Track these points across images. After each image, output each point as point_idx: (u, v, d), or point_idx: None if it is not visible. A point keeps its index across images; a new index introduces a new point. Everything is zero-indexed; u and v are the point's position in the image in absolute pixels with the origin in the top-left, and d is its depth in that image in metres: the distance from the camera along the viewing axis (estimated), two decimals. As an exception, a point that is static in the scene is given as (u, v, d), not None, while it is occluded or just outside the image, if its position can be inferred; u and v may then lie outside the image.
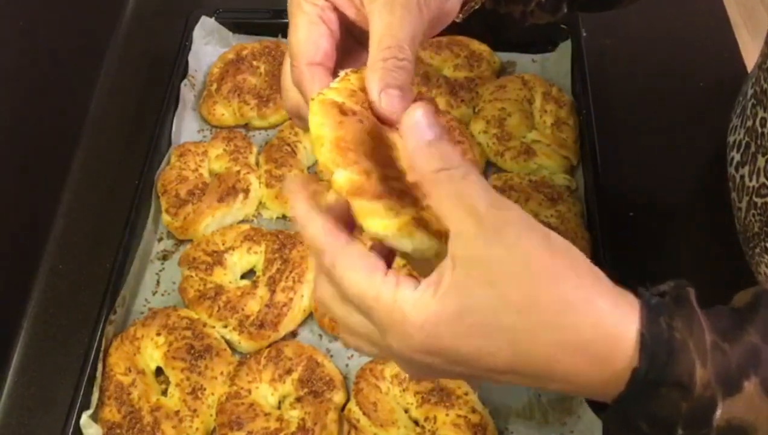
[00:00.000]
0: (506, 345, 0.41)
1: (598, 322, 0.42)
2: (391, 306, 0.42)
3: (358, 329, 0.45)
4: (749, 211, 0.74)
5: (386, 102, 0.48)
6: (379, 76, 0.48)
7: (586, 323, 0.41)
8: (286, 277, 0.77)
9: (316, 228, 0.44)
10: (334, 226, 0.44)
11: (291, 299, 0.76)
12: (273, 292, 0.76)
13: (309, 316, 0.78)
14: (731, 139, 0.81)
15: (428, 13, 0.51)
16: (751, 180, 0.74)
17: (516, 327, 0.41)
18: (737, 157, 0.78)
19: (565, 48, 0.95)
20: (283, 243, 0.80)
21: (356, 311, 0.44)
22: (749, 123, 0.75)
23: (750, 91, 0.77)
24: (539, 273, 0.41)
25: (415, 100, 0.50)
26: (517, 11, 0.67)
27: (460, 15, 0.62)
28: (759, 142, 0.72)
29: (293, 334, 0.78)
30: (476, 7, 0.62)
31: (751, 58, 0.89)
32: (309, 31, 0.52)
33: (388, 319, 0.42)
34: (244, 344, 0.75)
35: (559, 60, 0.95)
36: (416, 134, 0.43)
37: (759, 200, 0.72)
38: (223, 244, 0.80)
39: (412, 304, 0.41)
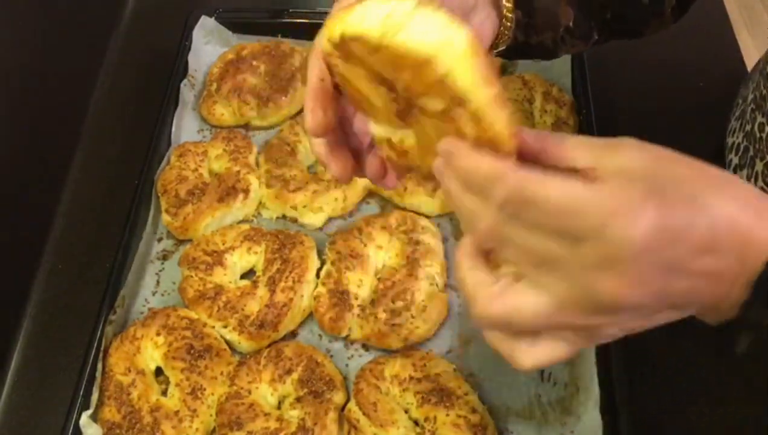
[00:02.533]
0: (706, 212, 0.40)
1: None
2: (600, 196, 0.39)
3: (555, 253, 0.40)
4: None
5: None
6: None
7: (746, 188, 0.43)
8: (286, 277, 0.77)
9: (487, 159, 0.42)
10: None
11: (291, 299, 0.76)
12: (273, 292, 0.76)
13: (309, 316, 0.78)
14: (729, 141, 0.81)
15: None
16: (749, 183, 0.74)
17: (704, 193, 0.41)
18: (735, 160, 0.78)
19: (565, 48, 0.95)
20: (283, 243, 0.79)
21: (551, 234, 0.40)
22: (748, 127, 0.75)
23: (750, 96, 0.77)
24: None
25: None
26: (548, 39, 0.66)
27: (492, 52, 0.64)
28: (757, 146, 0.72)
29: (293, 334, 0.78)
30: (503, 46, 0.64)
31: (751, 58, 0.89)
32: None
33: (605, 208, 0.38)
34: (244, 344, 0.75)
35: (560, 60, 0.95)
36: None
37: None
38: (223, 244, 0.80)
39: (619, 186, 0.39)
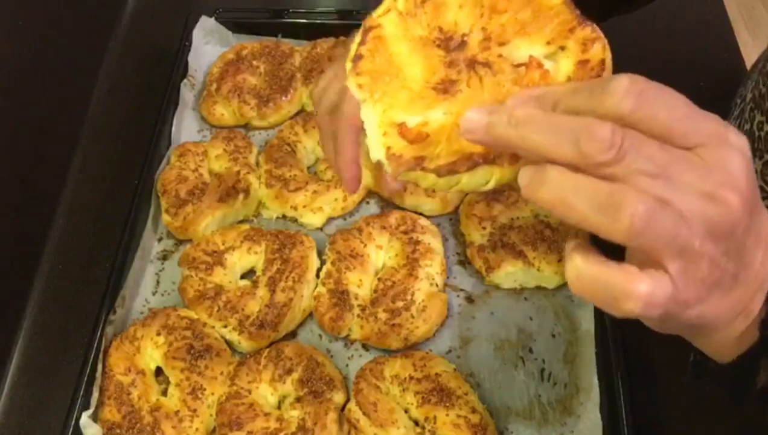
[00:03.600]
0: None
1: None
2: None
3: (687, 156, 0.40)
4: None
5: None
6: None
7: None
8: (286, 277, 0.77)
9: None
10: None
11: (291, 299, 0.76)
12: (273, 292, 0.76)
13: (309, 316, 0.78)
14: None
15: None
16: None
17: None
18: None
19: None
20: (283, 243, 0.79)
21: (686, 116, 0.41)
22: (747, 126, 0.75)
23: (749, 95, 0.77)
24: None
25: None
26: None
27: None
28: (756, 144, 0.72)
29: (293, 334, 0.78)
30: None
31: (751, 58, 0.89)
32: None
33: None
34: (244, 344, 0.75)
35: (559, 60, 0.95)
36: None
37: None
38: (223, 244, 0.80)
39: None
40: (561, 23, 0.46)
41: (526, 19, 0.47)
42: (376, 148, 0.47)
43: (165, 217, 0.84)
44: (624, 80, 0.40)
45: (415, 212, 0.84)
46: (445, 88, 0.47)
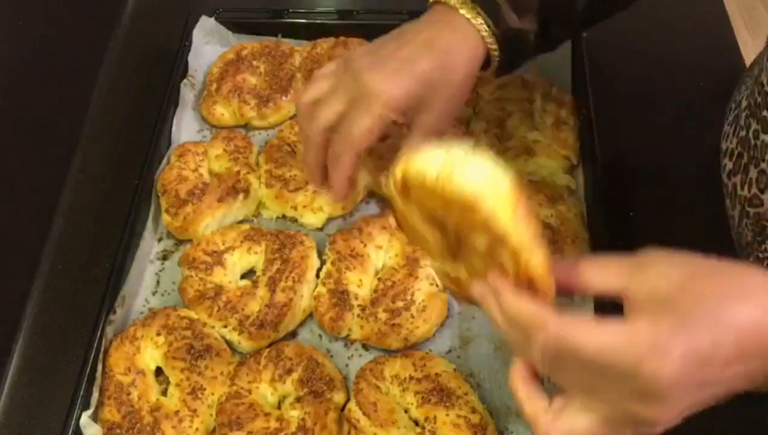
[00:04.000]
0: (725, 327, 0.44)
1: None
2: (631, 339, 0.44)
3: (597, 385, 0.46)
4: (742, 219, 0.74)
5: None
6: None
7: None
8: (286, 277, 0.77)
9: (527, 306, 0.49)
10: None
11: (291, 299, 0.76)
12: (273, 292, 0.76)
13: (309, 316, 0.78)
14: (723, 145, 0.81)
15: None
16: (743, 189, 0.73)
17: (730, 305, 0.44)
18: (729, 165, 0.78)
19: (565, 48, 0.95)
20: (283, 243, 0.79)
21: (591, 374, 0.46)
22: (742, 133, 0.75)
23: (744, 102, 0.77)
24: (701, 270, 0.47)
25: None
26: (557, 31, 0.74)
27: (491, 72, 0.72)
28: (752, 153, 0.72)
29: (293, 334, 0.78)
30: (496, 65, 0.70)
31: (751, 58, 0.89)
32: None
33: (637, 353, 0.43)
34: (244, 344, 0.75)
35: (559, 60, 0.95)
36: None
37: (751, 210, 0.71)
38: (223, 244, 0.80)
39: (649, 324, 0.44)
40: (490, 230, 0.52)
41: (469, 220, 0.51)
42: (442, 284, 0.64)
43: (165, 217, 0.84)
44: (541, 341, 0.48)
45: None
46: (454, 255, 0.56)
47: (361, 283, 0.77)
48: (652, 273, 0.47)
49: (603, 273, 0.50)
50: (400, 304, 0.75)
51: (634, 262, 0.48)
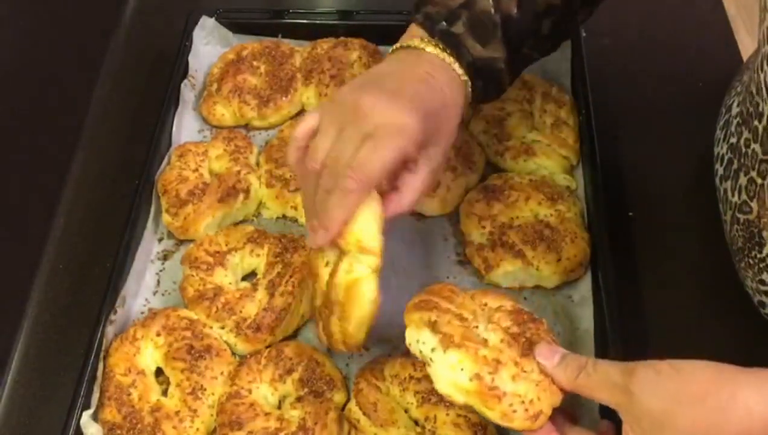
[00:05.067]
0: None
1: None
2: None
3: None
4: (733, 225, 0.74)
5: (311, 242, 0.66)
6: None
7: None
8: (286, 282, 0.77)
9: None
10: None
11: (289, 304, 0.76)
12: (272, 295, 0.76)
13: (308, 319, 0.78)
14: (716, 150, 0.81)
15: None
16: (733, 195, 0.73)
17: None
18: (720, 171, 0.78)
19: (565, 48, 0.95)
20: (285, 247, 0.79)
21: None
22: (733, 140, 0.75)
23: (736, 109, 0.76)
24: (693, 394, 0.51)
25: None
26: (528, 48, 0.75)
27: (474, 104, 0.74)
28: (742, 160, 0.71)
29: (293, 334, 0.78)
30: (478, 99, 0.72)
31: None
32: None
33: None
34: (240, 347, 0.75)
35: (559, 60, 0.95)
36: (548, 360, 0.60)
37: (741, 217, 0.71)
38: (226, 245, 0.80)
39: None
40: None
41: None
42: None
43: (165, 217, 0.84)
44: None
45: (418, 213, 0.84)
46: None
47: None
48: (641, 401, 0.52)
49: (599, 396, 0.56)
50: None
51: (623, 387, 0.53)
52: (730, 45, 1.01)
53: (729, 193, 0.74)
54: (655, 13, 1.00)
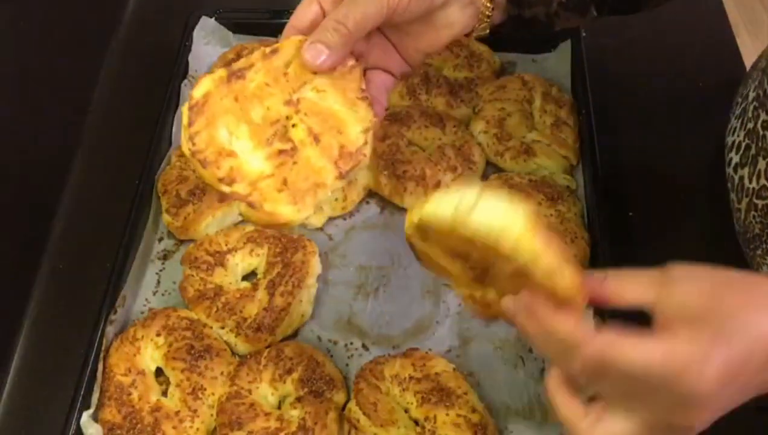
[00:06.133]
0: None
1: None
2: (670, 354, 0.46)
3: (637, 394, 0.49)
4: (749, 212, 0.74)
5: (309, 54, 0.58)
6: (314, 33, 0.58)
7: None
8: (286, 282, 0.77)
9: (564, 324, 0.50)
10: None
11: (289, 304, 0.76)
12: (272, 295, 0.76)
13: (309, 318, 0.78)
14: (729, 140, 0.81)
15: (388, 6, 0.58)
16: (751, 182, 0.74)
17: (758, 316, 0.47)
18: (736, 159, 0.78)
19: (565, 48, 0.95)
20: (285, 247, 0.79)
21: (631, 385, 0.48)
22: (750, 125, 0.75)
23: (752, 94, 0.77)
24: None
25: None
26: (541, 13, 0.70)
27: (474, 33, 0.67)
28: (760, 144, 0.72)
29: (293, 334, 0.78)
30: (488, 25, 0.67)
31: (750, 58, 0.89)
32: None
33: (676, 367, 0.46)
34: (240, 347, 0.75)
35: (559, 60, 0.95)
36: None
37: (759, 202, 0.72)
38: (226, 245, 0.80)
39: (687, 338, 0.46)
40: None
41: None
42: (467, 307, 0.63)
43: (165, 217, 0.84)
44: (580, 359, 0.49)
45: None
46: (481, 281, 0.59)
47: None
48: (681, 287, 0.49)
49: (633, 287, 0.52)
50: None
51: (662, 276, 0.50)
52: (731, 45, 1.01)
53: (746, 180, 0.75)
54: (655, 12, 1.00)
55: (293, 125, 0.60)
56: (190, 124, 0.59)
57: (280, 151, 0.59)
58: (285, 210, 0.58)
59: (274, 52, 0.61)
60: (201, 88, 0.59)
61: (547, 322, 0.51)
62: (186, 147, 0.58)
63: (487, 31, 0.67)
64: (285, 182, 0.58)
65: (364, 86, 0.62)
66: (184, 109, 0.59)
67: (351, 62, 0.62)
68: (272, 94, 0.60)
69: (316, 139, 0.60)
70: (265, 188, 0.58)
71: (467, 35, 0.67)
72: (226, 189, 0.57)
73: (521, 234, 0.50)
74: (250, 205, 0.57)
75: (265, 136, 0.59)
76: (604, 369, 0.48)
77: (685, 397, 0.46)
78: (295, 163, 0.59)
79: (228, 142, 0.59)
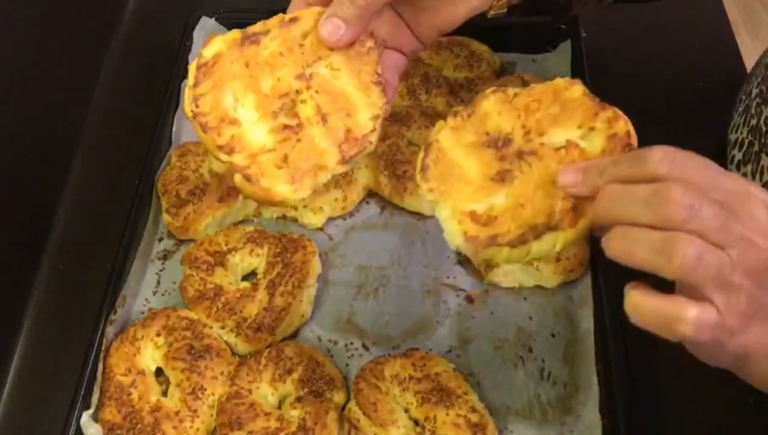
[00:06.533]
0: None
1: None
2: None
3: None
4: None
5: (326, 29, 0.57)
6: (330, 6, 0.57)
7: None
8: (286, 282, 0.77)
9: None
10: None
11: (289, 304, 0.76)
12: (272, 295, 0.76)
13: (309, 317, 0.79)
14: (732, 137, 0.81)
15: None
16: (754, 178, 0.74)
17: None
18: (739, 156, 0.78)
19: (565, 48, 0.95)
20: (285, 247, 0.79)
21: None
22: (753, 121, 0.75)
23: (755, 90, 0.77)
24: None
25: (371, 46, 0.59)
26: None
27: (492, 11, 0.66)
28: (763, 141, 0.72)
29: (293, 334, 0.78)
30: (506, 3, 0.66)
31: (751, 58, 0.89)
32: None
33: None
34: (241, 347, 0.75)
35: (559, 60, 0.95)
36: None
37: None
38: (226, 245, 0.80)
39: None
40: (586, 110, 0.58)
41: (557, 112, 0.58)
42: (455, 235, 0.56)
43: (165, 217, 0.84)
44: (657, 151, 0.49)
45: (416, 212, 0.84)
46: (502, 178, 0.56)
47: None
48: None
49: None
50: None
51: None
52: (731, 45, 1.01)
53: (749, 177, 0.75)
54: (655, 12, 1.00)
55: (302, 101, 0.59)
56: (195, 85, 0.57)
57: (285, 126, 0.57)
58: (282, 188, 0.56)
59: (293, 20, 0.59)
60: (212, 47, 0.57)
61: (606, 163, 0.51)
62: (188, 107, 0.57)
63: (505, 9, 0.66)
64: (285, 159, 0.57)
65: (380, 70, 0.60)
66: (191, 68, 0.57)
67: (370, 43, 0.60)
68: (285, 65, 0.58)
69: (324, 118, 0.58)
70: (265, 163, 0.56)
71: (484, 12, 0.65)
72: (224, 157, 0.56)
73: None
74: (247, 178, 0.56)
75: (272, 108, 0.58)
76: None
77: None
78: (298, 140, 0.57)
79: (233, 108, 0.57)
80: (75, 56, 0.96)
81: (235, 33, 0.58)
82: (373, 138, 0.59)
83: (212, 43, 0.57)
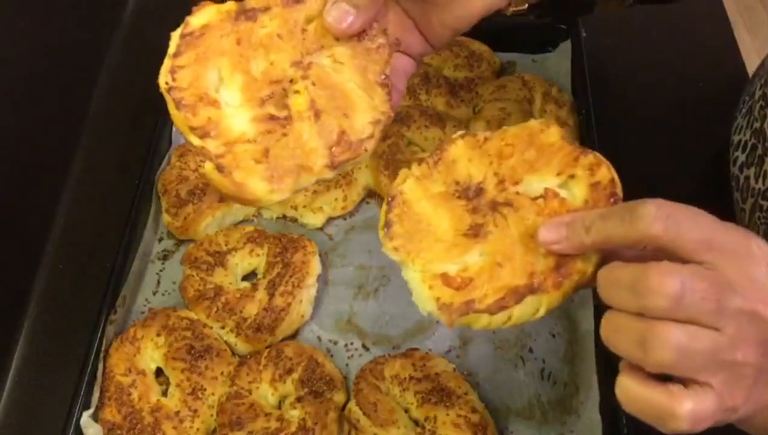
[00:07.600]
0: None
1: None
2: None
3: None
4: (754, 213, 0.74)
5: (333, 15, 0.51)
6: None
7: None
8: (286, 282, 0.77)
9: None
10: None
11: (289, 304, 0.76)
12: (272, 295, 0.76)
13: (309, 317, 0.79)
14: (735, 138, 0.81)
15: None
16: (757, 182, 0.73)
17: None
18: (742, 158, 0.78)
19: (565, 48, 0.95)
20: (285, 247, 0.79)
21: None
22: (757, 124, 0.75)
23: (758, 92, 0.77)
24: None
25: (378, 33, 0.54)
26: None
27: (512, 7, 0.62)
28: (766, 144, 0.72)
29: (293, 334, 0.78)
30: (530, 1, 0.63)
31: (750, 57, 0.89)
32: None
33: None
34: (240, 347, 0.75)
35: (559, 60, 0.95)
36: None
37: (765, 203, 0.71)
38: (226, 245, 0.80)
39: None
40: (565, 155, 0.52)
41: (532, 158, 0.52)
42: (426, 301, 0.51)
43: (165, 217, 0.84)
44: (651, 206, 0.45)
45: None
46: (475, 233, 0.51)
47: None
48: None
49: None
50: None
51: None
52: (731, 45, 1.01)
53: (752, 180, 0.74)
54: (655, 13, 1.00)
55: (295, 91, 0.52)
56: (175, 55, 0.51)
57: (271, 117, 0.50)
58: (256, 186, 0.48)
59: (299, 1, 0.52)
60: (201, 16, 0.51)
61: (592, 218, 0.47)
62: (163, 78, 0.50)
63: (526, 5, 0.62)
64: (266, 153, 0.49)
65: (388, 72, 0.54)
66: (173, 35, 0.50)
67: (381, 40, 0.54)
68: (281, 48, 0.52)
69: (317, 114, 0.51)
70: (242, 154, 0.49)
71: (504, 8, 0.60)
72: (195, 141, 0.49)
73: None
74: (219, 168, 0.48)
75: (260, 94, 0.51)
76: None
77: None
78: (284, 135, 0.50)
79: (215, 88, 0.51)
80: (75, 56, 0.96)
81: (231, 4, 0.51)
82: (369, 145, 0.52)
83: (202, 11, 0.51)
